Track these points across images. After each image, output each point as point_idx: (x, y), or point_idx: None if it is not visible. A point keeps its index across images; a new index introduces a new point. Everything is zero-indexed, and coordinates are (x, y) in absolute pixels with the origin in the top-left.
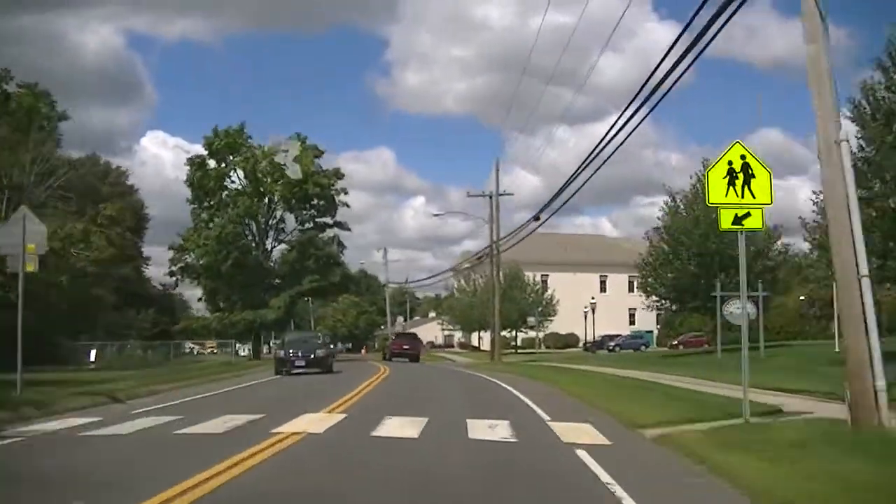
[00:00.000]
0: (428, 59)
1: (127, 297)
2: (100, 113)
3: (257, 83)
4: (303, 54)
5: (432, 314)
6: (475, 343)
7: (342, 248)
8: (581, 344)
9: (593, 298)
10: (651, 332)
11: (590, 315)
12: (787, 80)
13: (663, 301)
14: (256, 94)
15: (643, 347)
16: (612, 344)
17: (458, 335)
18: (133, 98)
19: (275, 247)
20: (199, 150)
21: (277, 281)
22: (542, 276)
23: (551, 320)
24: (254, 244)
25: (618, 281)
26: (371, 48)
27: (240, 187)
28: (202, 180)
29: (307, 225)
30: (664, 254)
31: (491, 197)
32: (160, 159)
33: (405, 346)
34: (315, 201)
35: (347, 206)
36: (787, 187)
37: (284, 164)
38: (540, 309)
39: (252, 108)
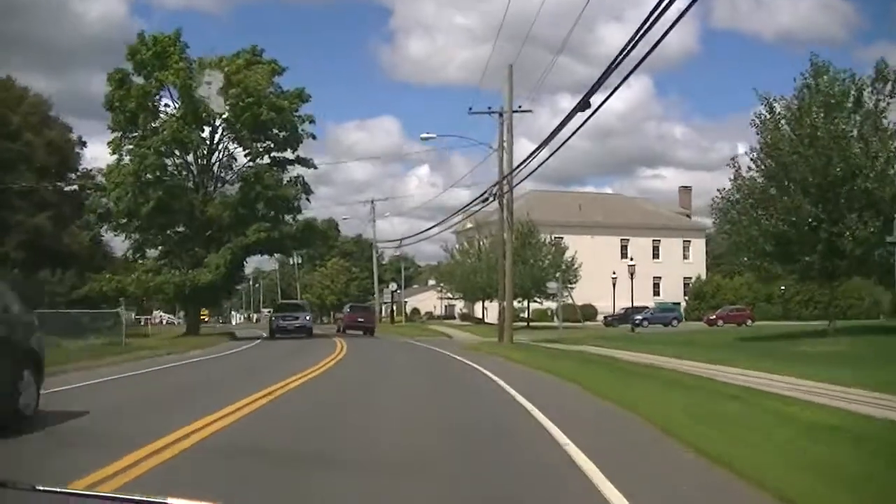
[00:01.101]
0: (431, 28)
1: (39, 255)
2: (101, 82)
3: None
4: (306, 23)
5: (432, 282)
6: (479, 314)
7: (308, 192)
8: (602, 318)
9: (632, 260)
10: (678, 303)
11: (624, 281)
12: (794, 52)
13: (755, 261)
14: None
15: (674, 322)
16: (639, 318)
17: (459, 305)
18: None
19: (219, 189)
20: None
21: (217, 233)
22: (554, 237)
23: (573, 287)
24: (191, 185)
25: (640, 245)
26: (375, 17)
27: (171, 110)
28: (124, 101)
29: (260, 161)
30: (759, 189)
31: (501, 114)
32: None
33: (359, 319)
34: (272, 131)
35: (314, 137)
36: None
37: (206, 97)
38: (558, 274)
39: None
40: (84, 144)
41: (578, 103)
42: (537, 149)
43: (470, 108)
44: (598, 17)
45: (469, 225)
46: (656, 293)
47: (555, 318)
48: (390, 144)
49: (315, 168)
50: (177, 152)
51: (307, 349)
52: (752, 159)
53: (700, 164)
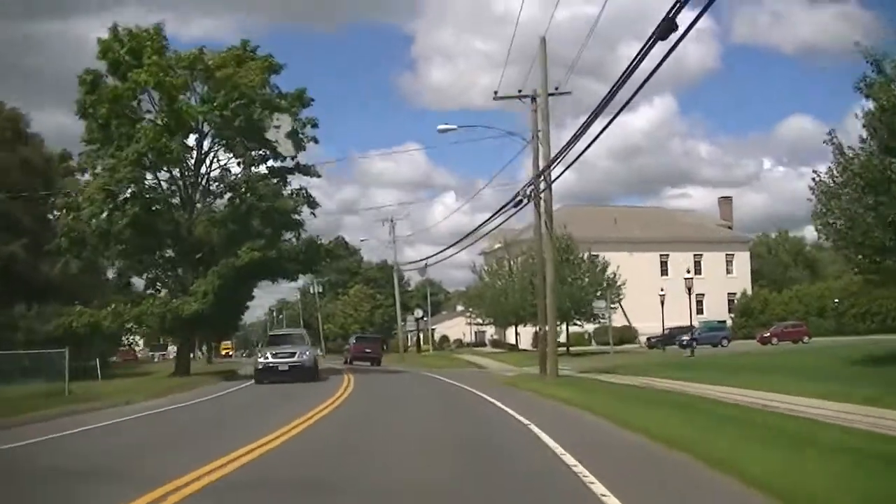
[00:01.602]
0: (452, 54)
1: (13, 286)
2: None
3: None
4: (326, 52)
5: (460, 307)
6: (511, 340)
7: (312, 205)
8: (645, 340)
9: (688, 273)
10: (724, 321)
11: (667, 300)
12: (816, 64)
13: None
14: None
15: (724, 342)
16: (685, 339)
17: (489, 331)
18: None
19: (208, 203)
20: None
21: (208, 255)
22: (589, 254)
23: (614, 308)
24: (177, 201)
25: (680, 260)
26: (395, 44)
27: (151, 114)
28: (96, 106)
29: (255, 169)
30: (876, 168)
31: (534, 98)
32: None
33: (366, 350)
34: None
35: (316, 141)
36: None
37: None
38: (599, 293)
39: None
40: (68, 160)
41: (658, 26)
42: (584, 127)
43: (496, 93)
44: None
45: (497, 245)
46: (699, 311)
47: (607, 343)
48: (416, 172)
49: (319, 176)
50: (158, 164)
51: (303, 390)
52: (867, 129)
53: (726, 181)
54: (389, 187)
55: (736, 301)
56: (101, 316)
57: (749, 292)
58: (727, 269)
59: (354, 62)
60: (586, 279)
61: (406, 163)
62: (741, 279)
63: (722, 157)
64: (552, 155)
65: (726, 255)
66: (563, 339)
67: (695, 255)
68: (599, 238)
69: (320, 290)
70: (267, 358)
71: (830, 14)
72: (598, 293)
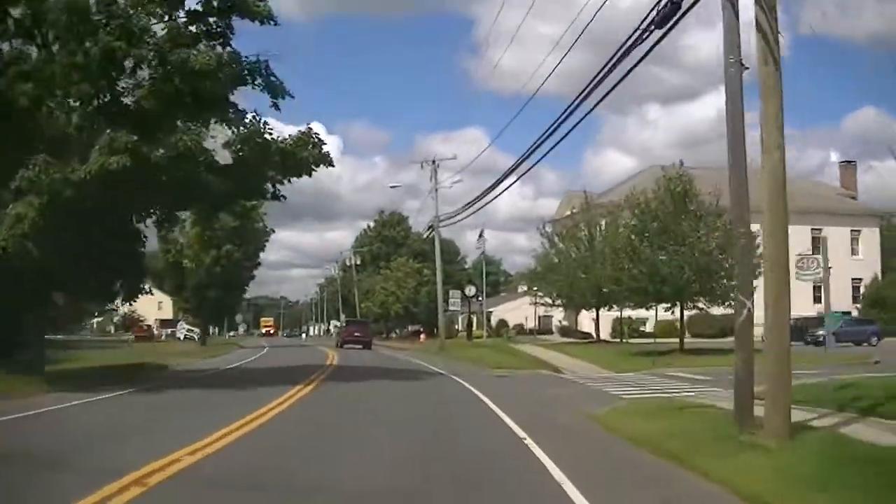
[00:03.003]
0: (517, 38)
1: None
2: None
3: (346, 65)
4: (391, 35)
5: (523, 287)
6: (585, 327)
7: (265, 77)
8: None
9: (808, 251)
10: (848, 312)
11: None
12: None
13: None
14: (344, 75)
15: (874, 340)
16: (821, 333)
17: (557, 316)
18: None
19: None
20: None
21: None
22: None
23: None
24: None
25: (795, 236)
26: (459, 28)
27: None
28: None
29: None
30: None
31: None
32: None
33: (356, 334)
34: None
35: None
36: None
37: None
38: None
39: (341, 90)
40: None
41: None
42: None
43: None
44: None
45: (571, 210)
46: (817, 299)
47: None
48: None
49: (275, 23)
50: None
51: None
52: None
53: (790, 173)
54: (450, 170)
55: (864, 287)
56: None
57: (879, 277)
58: (852, 249)
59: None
60: (713, 242)
61: (469, 146)
62: (869, 262)
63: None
64: None
65: (851, 230)
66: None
67: (812, 229)
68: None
69: (359, 262)
70: None
71: None
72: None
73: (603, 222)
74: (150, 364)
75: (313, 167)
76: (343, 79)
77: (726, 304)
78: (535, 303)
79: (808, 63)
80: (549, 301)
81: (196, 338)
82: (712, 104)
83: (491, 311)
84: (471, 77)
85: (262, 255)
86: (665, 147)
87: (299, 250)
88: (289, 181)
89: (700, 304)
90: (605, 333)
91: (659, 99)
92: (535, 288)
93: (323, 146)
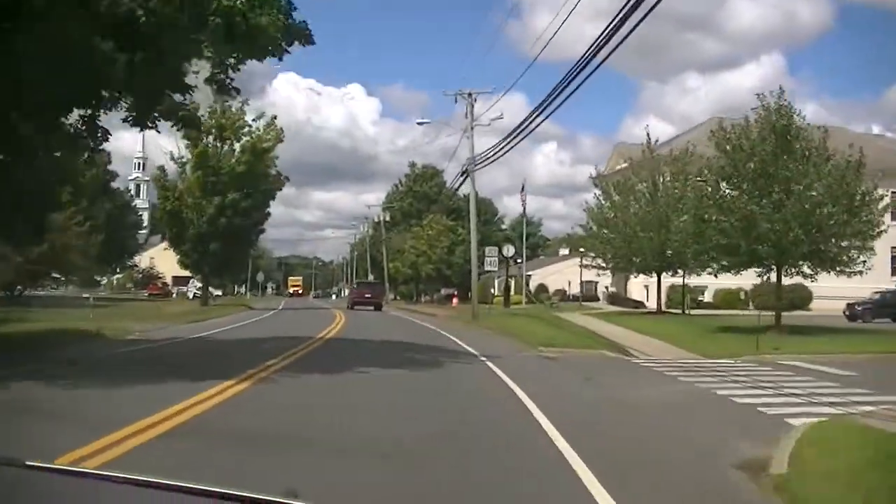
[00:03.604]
0: (558, 2)
1: None
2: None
3: (388, 29)
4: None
5: (564, 251)
6: (634, 294)
7: None
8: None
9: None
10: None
11: None
12: None
13: None
14: (387, 39)
15: None
16: (860, 307)
17: (603, 282)
18: None
19: None
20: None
21: None
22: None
23: (872, 249)
24: None
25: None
26: None
27: None
28: None
29: None
30: None
31: None
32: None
33: (367, 295)
34: None
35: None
36: None
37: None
38: (849, 217)
39: (384, 53)
40: None
41: None
42: None
43: None
44: None
45: (622, 163)
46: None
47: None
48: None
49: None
50: None
51: None
52: None
53: None
54: (489, 134)
55: None
56: None
57: None
58: None
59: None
60: (822, 187)
61: (508, 110)
62: None
63: (828, 118)
64: None
65: None
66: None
67: (893, 192)
68: None
69: (388, 220)
70: None
71: None
72: (850, 217)
73: (667, 173)
74: (88, 332)
75: (283, 45)
76: (382, 40)
77: (837, 270)
78: (586, 265)
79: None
80: (602, 263)
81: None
82: (749, 72)
83: (530, 275)
84: (512, 42)
85: (279, 208)
86: (704, 115)
87: (334, 210)
88: (243, 64)
89: (805, 269)
90: (654, 302)
91: (698, 66)
92: (584, 249)
93: (293, 12)
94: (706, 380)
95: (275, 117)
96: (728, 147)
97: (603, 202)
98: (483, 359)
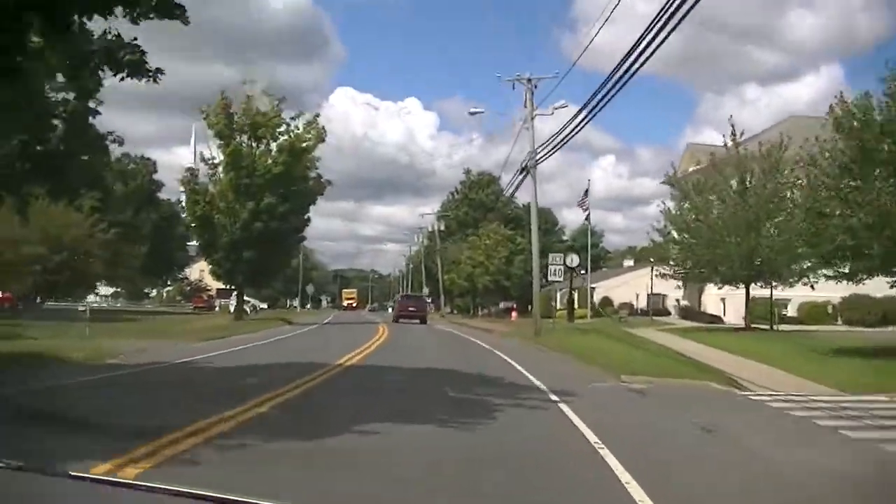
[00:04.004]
0: (614, 15)
1: None
2: (287, 69)
3: (441, 40)
4: (486, 12)
5: (628, 262)
6: (709, 308)
7: None
8: None
9: None
10: None
11: None
12: None
13: None
14: (440, 51)
15: None
16: None
17: (673, 295)
18: (320, 54)
19: None
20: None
21: None
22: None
23: None
24: None
25: None
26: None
27: None
28: None
29: None
30: None
31: None
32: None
33: (411, 308)
34: None
35: None
36: None
37: None
38: None
39: (437, 65)
40: None
41: None
42: None
43: None
44: None
45: (695, 166)
46: None
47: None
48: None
49: None
50: None
51: None
52: None
53: None
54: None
55: None
56: None
57: None
58: None
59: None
60: None
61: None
62: None
63: None
64: None
65: None
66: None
67: None
68: None
69: (442, 229)
70: None
71: None
72: None
73: (756, 170)
74: (61, 354)
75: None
76: (438, 54)
77: None
78: (663, 274)
79: None
80: (681, 273)
81: (249, 310)
82: (809, 84)
83: (593, 288)
84: (565, 53)
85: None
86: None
87: (392, 224)
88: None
89: None
90: (733, 317)
91: (757, 78)
92: (657, 258)
93: None
94: (878, 434)
95: (317, 115)
96: (854, 123)
97: (683, 204)
98: (553, 397)
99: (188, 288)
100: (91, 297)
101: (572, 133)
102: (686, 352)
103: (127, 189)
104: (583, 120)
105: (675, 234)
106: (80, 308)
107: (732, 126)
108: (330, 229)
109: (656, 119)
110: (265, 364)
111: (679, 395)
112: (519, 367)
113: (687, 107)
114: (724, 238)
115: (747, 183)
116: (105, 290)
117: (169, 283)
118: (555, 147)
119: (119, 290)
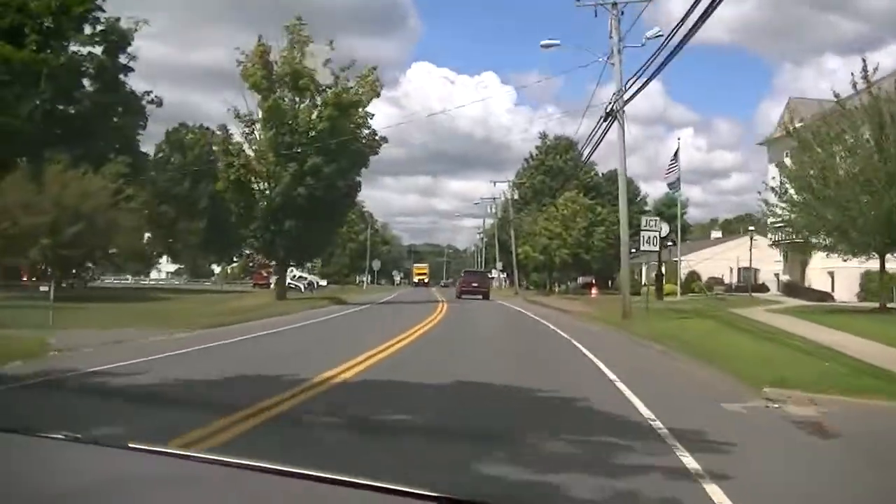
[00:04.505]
0: None
1: None
2: (364, 44)
3: (521, 16)
4: None
5: (716, 233)
6: (818, 283)
7: None
8: None
9: None
10: None
11: None
12: None
13: None
14: (518, 26)
15: None
16: None
17: (768, 269)
18: (397, 29)
19: None
20: (465, 80)
21: None
22: None
23: None
24: None
25: None
26: None
27: None
28: None
29: None
30: None
31: None
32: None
33: (474, 284)
34: None
35: None
36: None
37: None
38: None
39: (516, 40)
40: None
41: None
42: None
43: None
44: None
45: (800, 121)
46: None
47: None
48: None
49: None
50: None
51: None
52: None
53: None
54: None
55: None
56: None
57: None
58: None
59: None
60: None
61: (643, 96)
62: None
63: None
64: None
65: None
66: None
67: None
68: None
69: (517, 198)
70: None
71: None
72: None
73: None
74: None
75: None
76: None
77: None
78: (776, 242)
79: None
80: (800, 239)
81: (303, 287)
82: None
83: (679, 261)
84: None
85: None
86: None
87: (469, 199)
88: None
89: None
90: (844, 293)
91: (836, 48)
92: (778, 223)
93: None
94: None
95: (374, 68)
96: None
97: (804, 157)
98: (684, 459)
99: (250, 264)
100: (154, 274)
101: (667, 59)
102: (830, 343)
103: (185, 160)
104: (678, 44)
105: (793, 193)
106: (59, 286)
107: (864, 61)
108: (405, 205)
109: (734, 90)
110: (209, 380)
111: (879, 436)
112: (607, 371)
113: (763, 78)
114: (857, 197)
115: (887, 127)
116: (169, 266)
117: (235, 259)
118: (649, 78)
119: (181, 266)
